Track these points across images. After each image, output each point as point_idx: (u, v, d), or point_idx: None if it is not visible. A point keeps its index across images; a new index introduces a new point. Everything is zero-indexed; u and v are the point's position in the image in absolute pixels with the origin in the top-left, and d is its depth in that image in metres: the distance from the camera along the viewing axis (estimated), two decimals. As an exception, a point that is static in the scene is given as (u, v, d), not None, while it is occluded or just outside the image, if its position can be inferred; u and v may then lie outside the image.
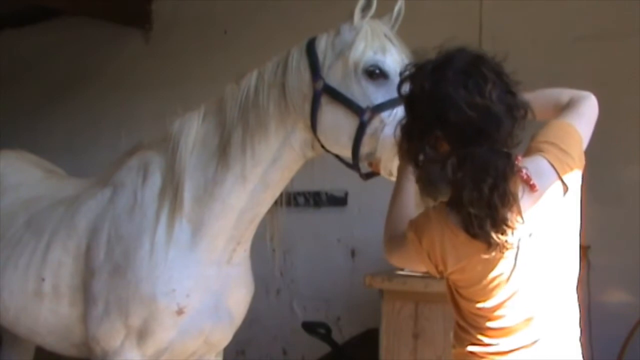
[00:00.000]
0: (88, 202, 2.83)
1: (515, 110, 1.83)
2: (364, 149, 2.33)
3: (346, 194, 4.93)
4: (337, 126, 2.37)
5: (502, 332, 1.92)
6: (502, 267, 1.87)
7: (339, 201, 4.95)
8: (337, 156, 2.50)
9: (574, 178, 1.94)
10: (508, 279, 1.88)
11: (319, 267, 5.01)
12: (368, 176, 2.45)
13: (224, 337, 2.80)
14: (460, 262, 1.88)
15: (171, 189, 2.63)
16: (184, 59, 5.56)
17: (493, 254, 1.83)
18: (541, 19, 4.27)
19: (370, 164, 2.39)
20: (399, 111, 2.20)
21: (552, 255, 1.93)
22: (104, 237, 2.69)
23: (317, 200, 5.00)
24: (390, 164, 2.30)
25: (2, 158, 3.39)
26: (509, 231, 1.80)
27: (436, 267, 1.95)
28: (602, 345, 3.61)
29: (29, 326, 2.93)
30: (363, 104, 2.31)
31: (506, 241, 1.80)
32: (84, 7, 5.57)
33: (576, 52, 4.11)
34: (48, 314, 2.83)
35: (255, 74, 2.57)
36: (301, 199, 4.93)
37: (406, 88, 1.94)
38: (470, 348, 1.95)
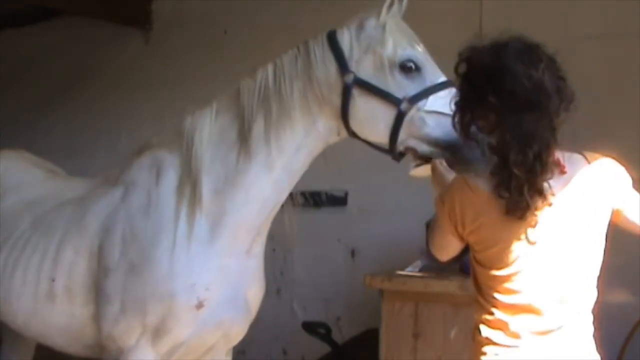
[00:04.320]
0: (99, 201, 2.82)
1: (563, 91, 1.98)
2: (401, 136, 2.44)
3: (346, 194, 4.93)
4: (374, 117, 2.47)
5: (513, 309, 1.98)
6: (520, 235, 1.96)
7: (339, 201, 4.95)
8: (366, 141, 2.57)
9: (607, 176, 2.04)
10: (524, 250, 1.95)
11: (319, 267, 5.01)
12: (401, 156, 2.54)
13: (241, 329, 2.82)
14: (478, 220, 2.00)
15: (189, 185, 2.64)
16: (184, 59, 5.56)
17: (516, 215, 1.94)
18: (541, 19, 4.27)
19: (406, 148, 2.49)
20: (432, 100, 2.38)
21: (573, 239, 1.98)
22: (118, 236, 2.68)
23: (317, 200, 4.99)
24: (427, 151, 2.42)
25: (3, 158, 3.36)
26: (539, 200, 1.92)
27: (456, 227, 2.06)
28: (602, 345, 3.60)
29: (39, 329, 2.91)
30: (399, 95, 2.42)
31: (535, 208, 1.93)
32: (84, 7, 5.57)
33: (576, 52, 4.11)
34: (60, 315, 2.81)
35: (270, 66, 2.62)
36: (301, 199, 4.90)
37: (463, 67, 2.08)
38: (484, 331, 2.01)
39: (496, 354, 2.00)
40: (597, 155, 2.08)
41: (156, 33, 5.85)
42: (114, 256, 2.67)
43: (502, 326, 1.99)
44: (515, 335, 1.98)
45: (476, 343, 2.06)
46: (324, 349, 4.32)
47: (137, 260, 2.62)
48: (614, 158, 2.10)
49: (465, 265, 3.25)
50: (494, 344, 2.00)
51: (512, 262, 1.97)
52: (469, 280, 3.16)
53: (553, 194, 1.95)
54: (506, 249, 1.97)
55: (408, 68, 2.44)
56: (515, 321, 1.98)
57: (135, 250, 2.63)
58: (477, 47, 2.06)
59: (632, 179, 2.10)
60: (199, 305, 2.59)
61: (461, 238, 2.08)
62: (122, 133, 5.67)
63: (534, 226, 1.95)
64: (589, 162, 2.05)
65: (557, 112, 1.96)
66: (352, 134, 2.56)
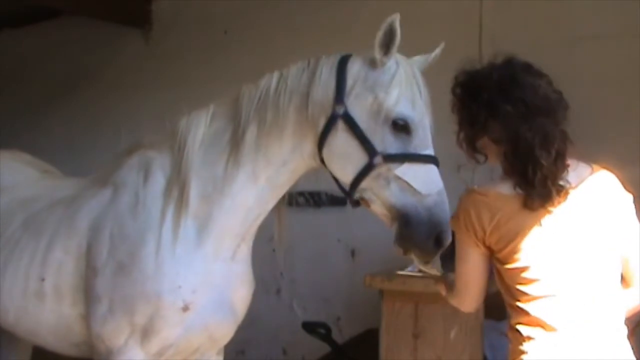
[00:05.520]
0: (89, 202, 2.83)
1: (564, 102, 2.14)
2: (363, 185, 2.43)
3: (346, 194, 4.92)
4: (346, 155, 2.45)
5: (545, 302, 2.04)
6: (538, 225, 2.05)
7: (339, 201, 4.92)
8: (333, 176, 2.57)
9: (614, 185, 2.17)
10: (543, 240, 2.04)
11: (319, 267, 5.01)
12: (357, 204, 2.53)
13: (227, 332, 2.82)
14: (495, 217, 2.07)
15: (177, 187, 2.65)
16: (184, 59, 5.56)
17: (534, 207, 2.04)
18: (541, 19, 4.27)
19: (361, 198, 2.49)
20: (406, 167, 2.36)
21: (588, 232, 2.07)
22: (106, 236, 2.69)
23: (317, 200, 4.99)
24: (378, 210, 2.47)
25: (-2, 158, 3.38)
26: (558, 193, 2.04)
27: (476, 235, 2.10)
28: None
29: (29, 327, 2.93)
30: (378, 147, 2.39)
31: (554, 201, 2.03)
32: (84, 7, 5.57)
33: (576, 52, 4.11)
34: (49, 314, 2.83)
35: (276, 75, 2.59)
36: (301, 199, 4.91)
37: (467, 88, 2.18)
38: (524, 331, 2.07)
39: (537, 350, 2.05)
40: (602, 168, 2.17)
41: (156, 33, 5.85)
42: (102, 256, 2.68)
43: (539, 323, 2.05)
44: (555, 330, 2.03)
45: (516, 343, 2.10)
46: (324, 349, 4.33)
47: (125, 260, 2.63)
48: (611, 169, 2.20)
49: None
50: (535, 340, 2.05)
51: (534, 252, 2.04)
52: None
53: (568, 190, 2.07)
54: (526, 239, 2.05)
55: (400, 126, 2.39)
56: (550, 316, 2.04)
57: (123, 250, 2.65)
58: (476, 69, 2.17)
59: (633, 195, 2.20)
60: (185, 308, 2.60)
61: (484, 245, 2.11)
62: (122, 133, 5.66)
63: (551, 217, 2.05)
64: (590, 167, 2.15)
65: (561, 120, 2.10)
66: (322, 162, 2.54)
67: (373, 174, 2.39)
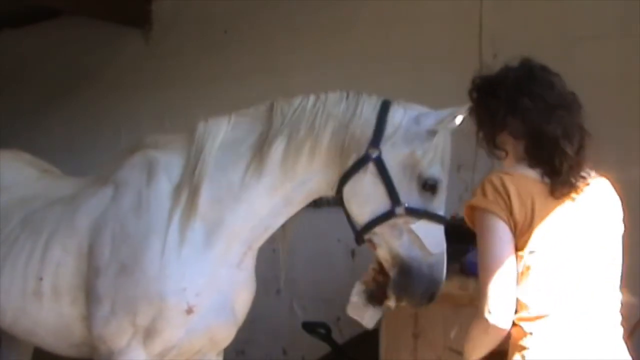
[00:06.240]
0: (89, 200, 2.82)
1: (578, 101, 2.20)
2: (376, 229, 2.49)
3: (346, 194, 4.92)
4: (369, 197, 2.51)
5: (548, 297, 2.08)
6: (555, 216, 2.09)
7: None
8: (345, 212, 2.62)
9: (615, 197, 2.25)
10: (559, 231, 2.08)
11: (319, 267, 5.01)
12: (362, 241, 2.59)
13: (229, 335, 2.83)
14: (521, 196, 2.09)
15: (187, 189, 2.64)
16: (184, 59, 5.56)
17: (559, 195, 2.09)
18: (541, 19, 4.27)
19: (369, 240, 2.55)
20: (421, 224, 2.42)
21: (588, 234, 2.12)
22: (108, 235, 2.69)
23: (317, 200, 4.97)
24: (381, 255, 2.54)
25: (-1, 158, 3.38)
26: (582, 184, 2.11)
27: (505, 203, 2.09)
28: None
29: (27, 327, 2.92)
30: (403, 199, 2.45)
31: (575, 189, 2.10)
32: (84, 7, 5.57)
33: (576, 52, 4.11)
34: (47, 314, 2.82)
35: (312, 97, 2.61)
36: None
37: (485, 88, 2.24)
38: (526, 327, 2.09)
39: (538, 346, 2.06)
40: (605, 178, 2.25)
41: (156, 33, 5.85)
42: (104, 256, 2.67)
43: (538, 316, 2.07)
44: (553, 325, 2.05)
45: (516, 338, 2.11)
46: (324, 349, 4.32)
47: (127, 260, 2.63)
48: (611, 170, 2.26)
49: (466, 265, 3.26)
50: (537, 335, 2.06)
51: (544, 238, 2.07)
52: (469, 280, 3.18)
53: (588, 181, 2.14)
54: (543, 228, 2.08)
55: (428, 186, 2.45)
56: (552, 311, 2.06)
57: (125, 251, 2.64)
58: (492, 73, 2.24)
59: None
60: (189, 311, 2.60)
61: (512, 218, 2.09)
62: (122, 133, 5.67)
63: (568, 208, 2.10)
64: (600, 180, 2.22)
65: (576, 114, 2.16)
66: (338, 193, 2.59)
67: (391, 222, 2.46)
